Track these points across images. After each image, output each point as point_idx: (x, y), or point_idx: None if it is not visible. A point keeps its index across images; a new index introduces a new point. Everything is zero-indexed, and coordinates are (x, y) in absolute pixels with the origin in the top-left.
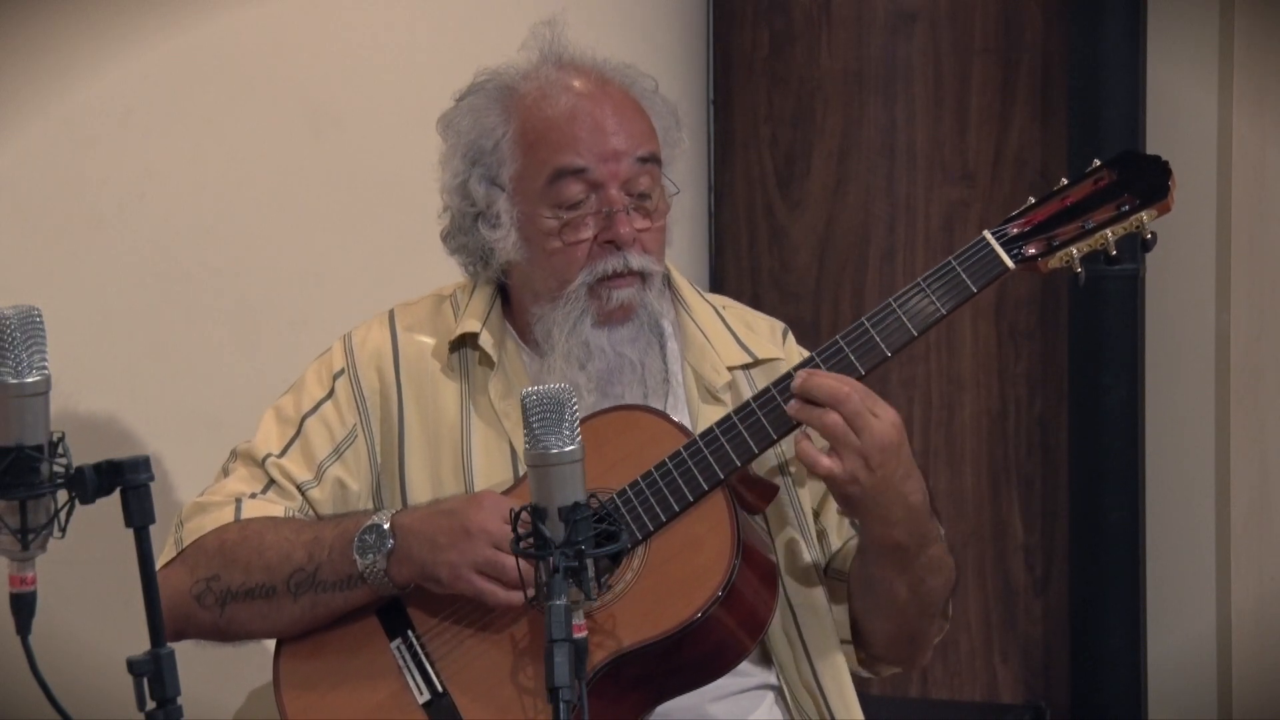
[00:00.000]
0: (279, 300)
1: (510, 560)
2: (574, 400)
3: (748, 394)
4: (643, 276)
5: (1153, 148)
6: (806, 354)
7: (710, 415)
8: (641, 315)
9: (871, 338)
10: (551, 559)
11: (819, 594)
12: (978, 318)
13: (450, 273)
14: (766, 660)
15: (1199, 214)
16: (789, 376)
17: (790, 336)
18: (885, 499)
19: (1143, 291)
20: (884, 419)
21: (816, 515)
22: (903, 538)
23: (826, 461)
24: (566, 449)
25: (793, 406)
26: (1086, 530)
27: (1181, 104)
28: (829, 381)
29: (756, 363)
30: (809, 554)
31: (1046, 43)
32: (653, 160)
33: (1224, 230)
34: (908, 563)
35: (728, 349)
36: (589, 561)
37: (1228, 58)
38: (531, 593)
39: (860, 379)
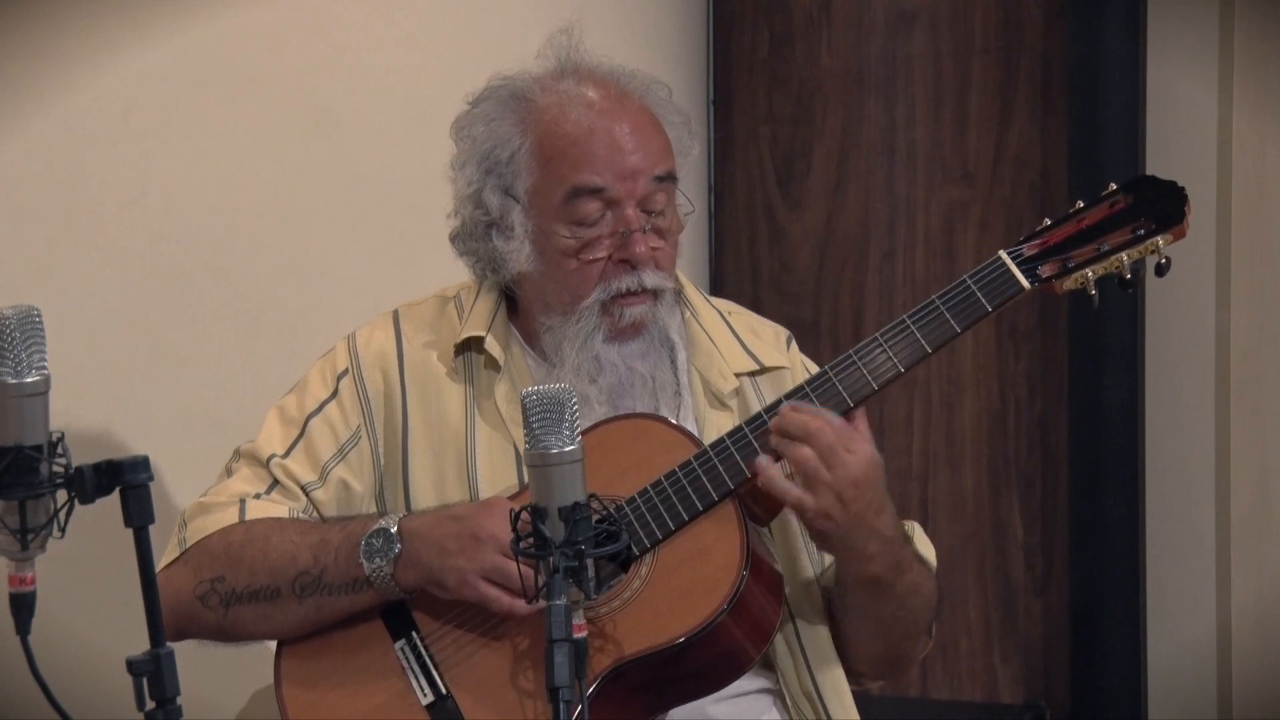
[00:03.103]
0: (279, 300)
1: (516, 568)
2: (573, 400)
3: (754, 401)
4: (655, 294)
5: (1153, 147)
6: (809, 362)
7: (717, 421)
8: (653, 331)
9: (885, 353)
10: (552, 559)
11: (819, 603)
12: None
13: (450, 273)
14: (768, 665)
15: (1199, 214)
16: (800, 390)
17: (794, 344)
18: (859, 535)
19: (1143, 291)
20: (859, 455)
21: None
22: (879, 570)
23: (797, 492)
24: (566, 449)
25: (772, 440)
26: (1086, 530)
27: (1181, 104)
28: (803, 418)
29: (763, 370)
30: (809, 564)
31: (1046, 43)
32: (669, 178)
33: (1224, 230)
34: (885, 590)
35: (735, 356)
36: (589, 561)
37: (1228, 58)
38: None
39: (865, 400)
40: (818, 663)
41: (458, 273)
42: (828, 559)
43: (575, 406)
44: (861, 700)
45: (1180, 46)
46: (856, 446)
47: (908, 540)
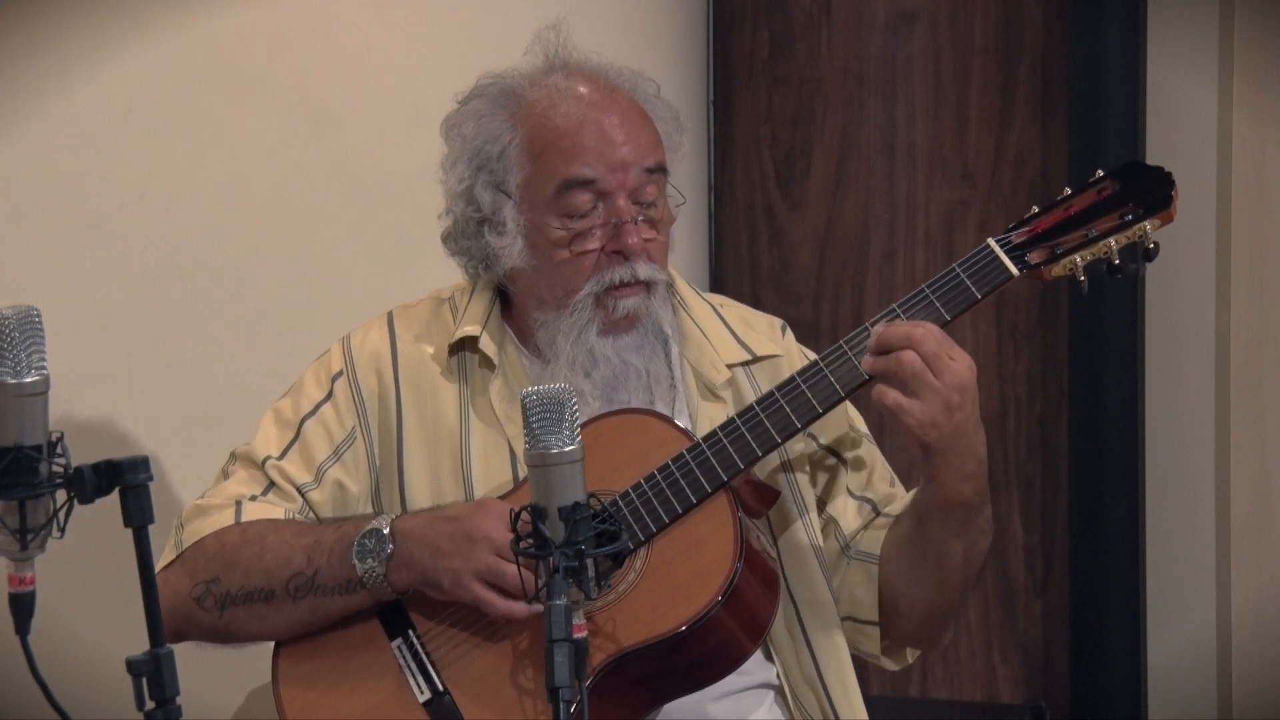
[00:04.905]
0: (279, 300)
1: (512, 568)
2: (574, 400)
3: (748, 391)
4: (648, 286)
5: (1153, 148)
6: (806, 350)
7: (710, 413)
8: (646, 324)
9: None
10: (552, 559)
11: (822, 588)
12: (978, 318)
13: (450, 273)
14: (767, 658)
15: (1199, 214)
16: (791, 380)
17: (789, 332)
18: (960, 447)
19: (1143, 291)
20: (961, 361)
21: (822, 506)
22: (970, 494)
23: (908, 403)
24: (566, 449)
25: (867, 361)
26: (1086, 530)
27: (1181, 104)
28: (904, 327)
29: (756, 360)
30: (813, 548)
31: (1046, 43)
32: (659, 170)
33: (1224, 230)
34: (969, 521)
35: (726, 346)
36: (589, 561)
37: (1228, 58)
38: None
39: (859, 389)
40: (821, 648)
41: (457, 273)
42: (853, 526)
43: (575, 406)
44: (861, 699)
45: (1180, 46)
46: (958, 353)
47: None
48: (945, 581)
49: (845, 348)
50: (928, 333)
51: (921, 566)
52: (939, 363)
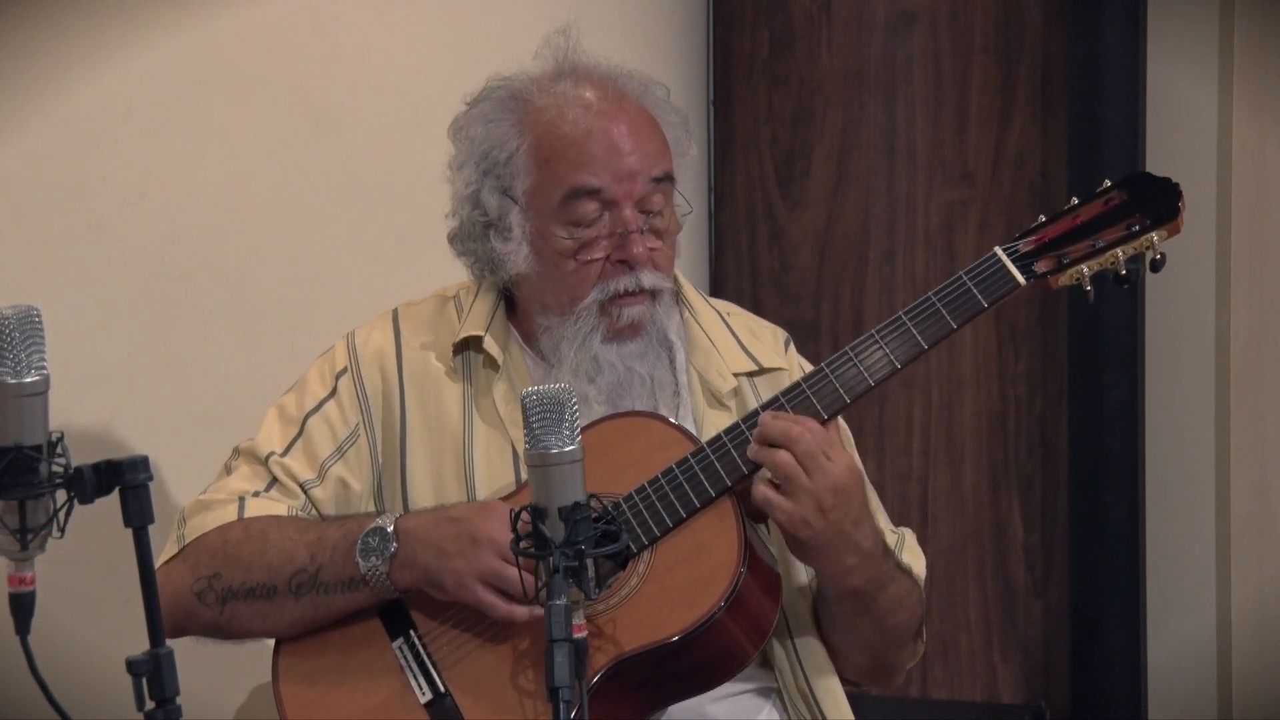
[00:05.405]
0: (279, 300)
1: (514, 571)
2: (573, 400)
3: (752, 401)
4: (653, 294)
5: (1153, 148)
6: (807, 363)
7: (716, 420)
8: (651, 331)
9: (881, 350)
10: (552, 559)
11: (812, 608)
12: (978, 317)
13: (450, 273)
14: (767, 663)
15: (1199, 214)
16: (797, 385)
17: (791, 346)
18: (837, 545)
19: (1143, 291)
20: (838, 463)
21: None
22: (858, 583)
23: (777, 497)
24: (566, 449)
25: (752, 449)
26: (1086, 530)
27: (1181, 104)
28: (783, 424)
29: (761, 371)
30: (803, 568)
31: (1046, 43)
32: (666, 179)
33: (1224, 230)
34: (866, 605)
35: (733, 355)
36: (589, 561)
37: (1228, 58)
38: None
39: (861, 396)
40: (811, 666)
41: (457, 272)
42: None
43: (575, 406)
44: (860, 700)
45: (1180, 46)
46: (836, 454)
47: (889, 553)
48: (867, 647)
49: (851, 354)
50: (805, 431)
51: (833, 632)
52: (813, 463)
